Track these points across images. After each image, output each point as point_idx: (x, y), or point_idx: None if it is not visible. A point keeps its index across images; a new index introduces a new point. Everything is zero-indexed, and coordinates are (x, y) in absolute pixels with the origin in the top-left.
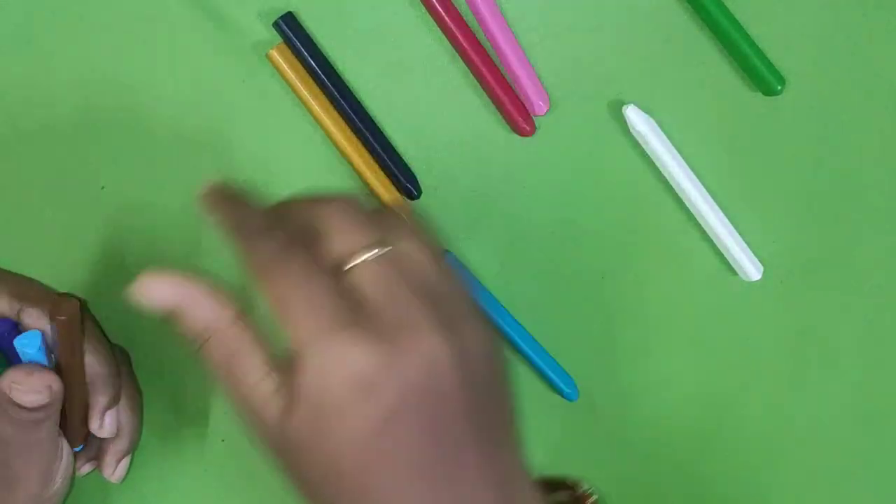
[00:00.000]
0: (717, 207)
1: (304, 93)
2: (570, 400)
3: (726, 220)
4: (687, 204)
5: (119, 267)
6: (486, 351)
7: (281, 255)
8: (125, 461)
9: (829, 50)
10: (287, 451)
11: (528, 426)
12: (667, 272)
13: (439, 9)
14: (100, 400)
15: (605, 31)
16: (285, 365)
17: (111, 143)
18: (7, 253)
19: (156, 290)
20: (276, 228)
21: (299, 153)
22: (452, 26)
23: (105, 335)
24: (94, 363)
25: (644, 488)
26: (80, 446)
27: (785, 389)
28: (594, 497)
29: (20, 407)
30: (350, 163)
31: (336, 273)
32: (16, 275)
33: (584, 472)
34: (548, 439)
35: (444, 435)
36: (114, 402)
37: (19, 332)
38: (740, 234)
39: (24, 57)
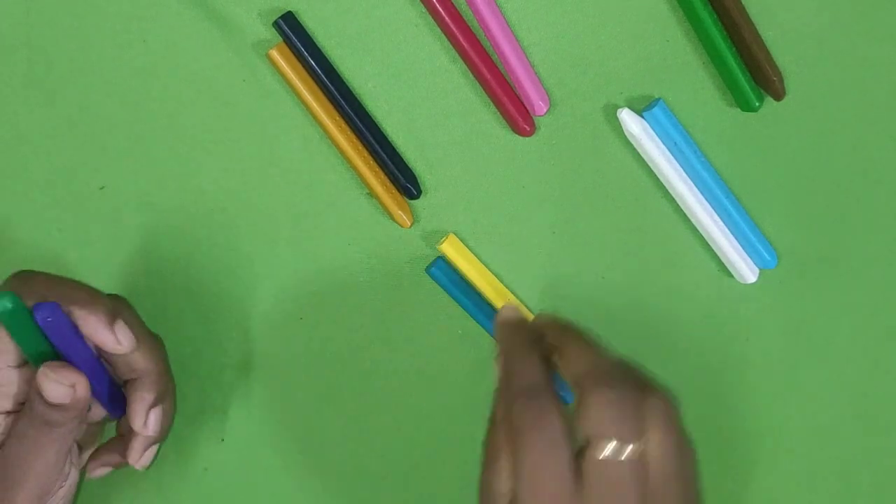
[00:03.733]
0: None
1: (304, 93)
2: (565, 402)
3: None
4: (682, 207)
5: (119, 267)
6: None
7: (538, 421)
8: (153, 450)
9: (830, 50)
10: None
11: None
12: (666, 273)
13: (439, 9)
14: (145, 396)
15: (604, 32)
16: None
17: (111, 143)
18: (6, 253)
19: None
20: (546, 388)
21: (299, 153)
22: (452, 26)
23: (150, 331)
24: (141, 359)
25: None
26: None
27: (783, 390)
28: None
29: (42, 398)
30: (350, 162)
31: (581, 453)
32: (69, 281)
33: None
34: None
35: None
36: (159, 400)
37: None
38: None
39: (23, 56)
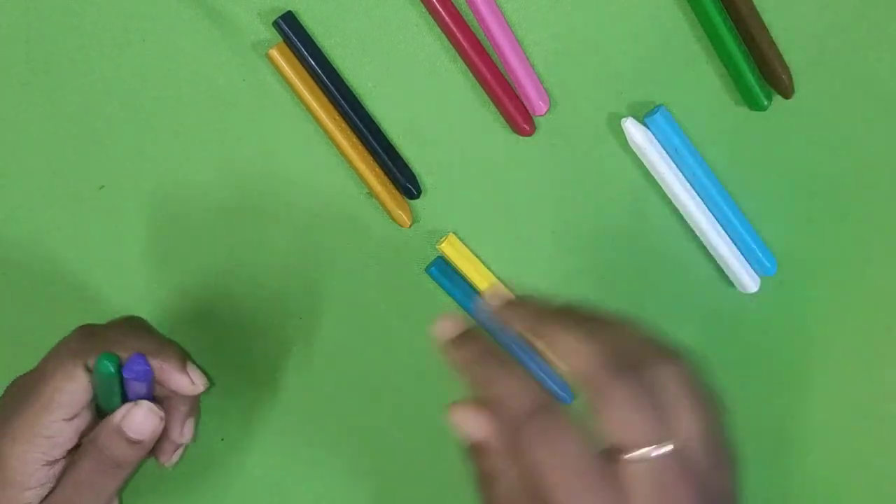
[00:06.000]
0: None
1: (305, 92)
2: (564, 403)
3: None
4: (683, 215)
5: (118, 266)
6: None
7: (557, 433)
8: (181, 450)
9: (841, 47)
10: None
11: None
12: (666, 273)
13: (439, 9)
14: (181, 409)
15: (605, 31)
16: None
17: (111, 143)
18: (6, 253)
19: (470, 424)
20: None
21: (299, 153)
22: (452, 26)
23: (172, 342)
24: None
25: None
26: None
27: (783, 391)
28: None
29: (122, 437)
30: (350, 162)
31: (610, 456)
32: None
33: None
34: None
35: None
36: (194, 410)
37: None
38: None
39: (23, 56)
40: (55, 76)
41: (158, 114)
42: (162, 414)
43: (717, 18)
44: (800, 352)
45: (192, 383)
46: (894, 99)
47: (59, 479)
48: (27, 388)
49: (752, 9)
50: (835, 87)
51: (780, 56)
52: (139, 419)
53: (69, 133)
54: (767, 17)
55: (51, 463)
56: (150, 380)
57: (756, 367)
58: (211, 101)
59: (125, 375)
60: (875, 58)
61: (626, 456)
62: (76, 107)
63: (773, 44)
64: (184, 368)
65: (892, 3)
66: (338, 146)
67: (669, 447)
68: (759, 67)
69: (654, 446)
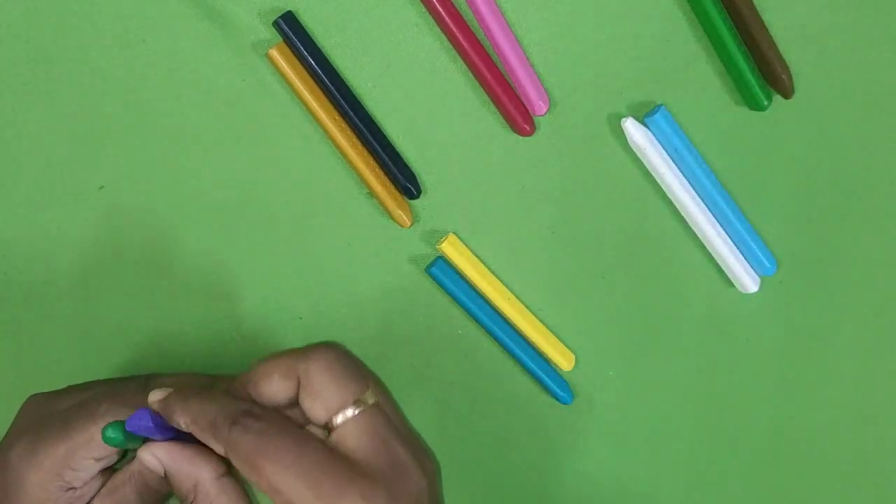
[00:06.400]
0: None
1: (305, 92)
2: (564, 403)
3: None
4: (684, 215)
5: (117, 267)
6: (436, 470)
7: (265, 435)
8: None
9: (841, 47)
10: None
11: (525, 429)
12: (666, 274)
13: (439, 9)
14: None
15: (605, 31)
16: None
17: (111, 143)
18: (6, 253)
19: (149, 459)
20: (249, 405)
21: (299, 153)
22: (452, 26)
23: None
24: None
25: (642, 490)
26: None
27: (783, 393)
28: None
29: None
30: (350, 163)
31: (324, 431)
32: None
33: (580, 473)
34: (541, 442)
35: None
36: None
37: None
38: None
39: (22, 56)
40: (55, 76)
41: (158, 114)
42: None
43: (717, 18)
44: (800, 352)
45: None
46: (894, 99)
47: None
48: (68, 419)
49: (752, 9)
50: (835, 87)
51: (780, 56)
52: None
53: (69, 133)
54: (767, 17)
55: (68, 490)
56: (161, 426)
57: (756, 367)
58: (211, 101)
59: (128, 429)
60: (875, 58)
61: (335, 424)
62: (76, 107)
63: (773, 44)
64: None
65: (892, 4)
66: (338, 146)
67: (366, 404)
68: (759, 67)
69: (353, 409)
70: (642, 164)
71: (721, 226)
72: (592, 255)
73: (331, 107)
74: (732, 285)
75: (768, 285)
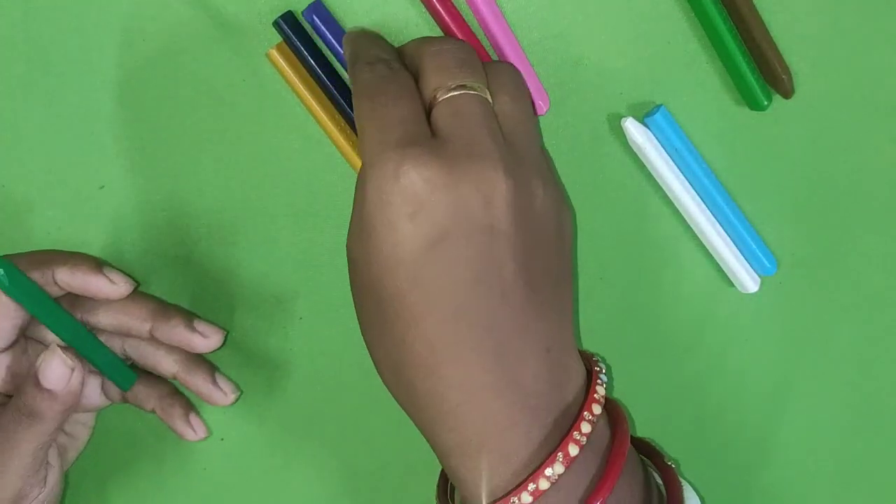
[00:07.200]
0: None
1: (305, 92)
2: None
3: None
4: (684, 215)
5: (118, 267)
6: (551, 207)
7: (384, 79)
8: (196, 421)
9: (841, 47)
10: (352, 281)
11: None
12: (665, 274)
13: (439, 9)
14: (202, 373)
15: (606, 30)
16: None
17: (111, 143)
18: (7, 253)
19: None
20: (392, 60)
21: (299, 153)
22: (452, 26)
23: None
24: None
25: None
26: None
27: (783, 393)
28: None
29: (35, 383)
30: (350, 163)
31: (428, 105)
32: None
33: None
34: None
35: (491, 273)
36: (212, 367)
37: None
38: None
39: (22, 55)
40: (55, 76)
41: (158, 114)
42: (73, 365)
43: (717, 18)
44: (800, 352)
45: (113, 283)
46: (894, 99)
47: None
48: None
49: (752, 9)
50: (835, 87)
51: (780, 56)
52: (51, 367)
53: (69, 133)
54: (767, 17)
55: None
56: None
57: (755, 367)
58: (211, 100)
59: (304, 15)
60: (875, 58)
61: (438, 98)
62: (76, 107)
63: (773, 44)
64: (98, 271)
65: (892, 4)
66: (338, 146)
67: (478, 90)
68: (759, 67)
69: (462, 89)
70: (642, 164)
71: (721, 226)
72: (593, 256)
73: (331, 106)
74: (732, 285)
75: (768, 285)
